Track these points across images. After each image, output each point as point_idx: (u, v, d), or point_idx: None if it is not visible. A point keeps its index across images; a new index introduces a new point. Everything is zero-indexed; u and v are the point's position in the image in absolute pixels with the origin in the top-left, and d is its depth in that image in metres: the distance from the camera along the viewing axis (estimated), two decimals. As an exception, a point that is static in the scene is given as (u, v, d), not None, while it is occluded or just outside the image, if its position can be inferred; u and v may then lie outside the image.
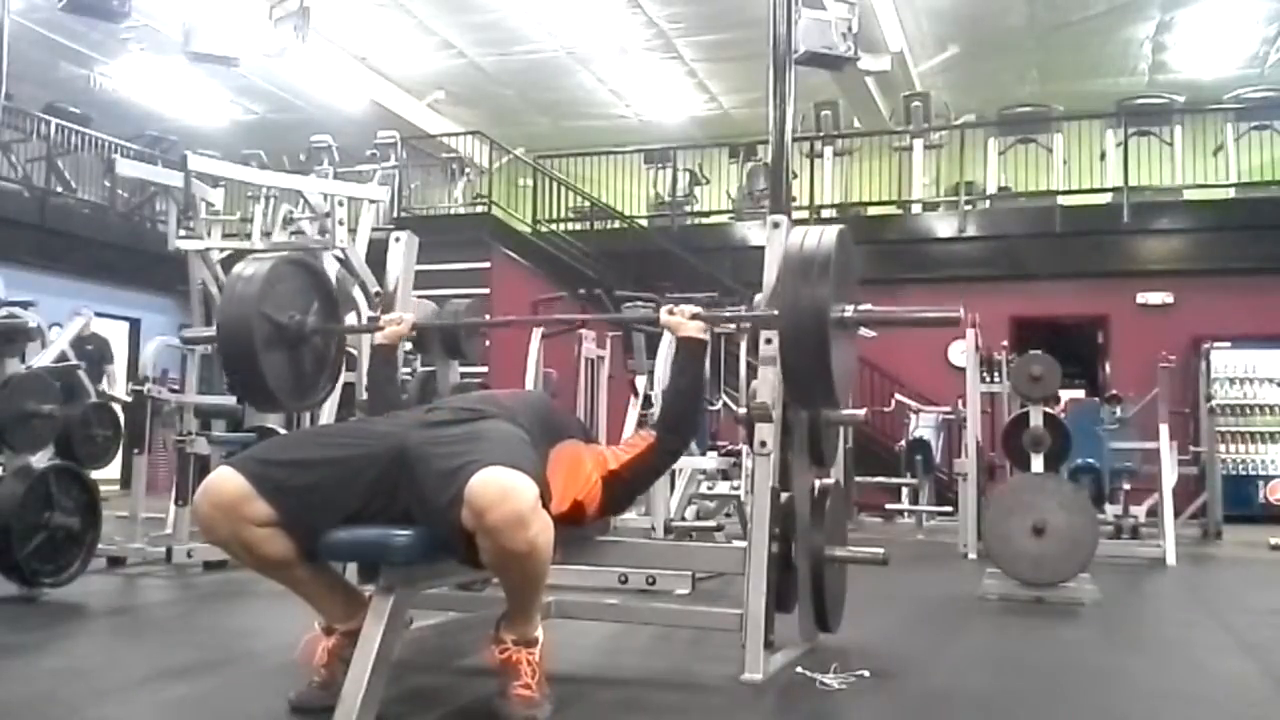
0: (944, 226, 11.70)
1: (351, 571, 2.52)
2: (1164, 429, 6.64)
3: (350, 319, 5.05)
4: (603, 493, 2.68)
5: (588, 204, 13.15)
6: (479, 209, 13.11)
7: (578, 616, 3.19)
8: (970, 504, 6.34)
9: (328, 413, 5.12)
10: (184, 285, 5.88)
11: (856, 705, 2.64)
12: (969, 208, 11.68)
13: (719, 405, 7.28)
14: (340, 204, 6.02)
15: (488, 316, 5.01)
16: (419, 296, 3.59)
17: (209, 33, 6.83)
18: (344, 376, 3.56)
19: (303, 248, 5.83)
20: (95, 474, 4.51)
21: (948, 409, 9.03)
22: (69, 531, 4.11)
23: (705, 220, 13.43)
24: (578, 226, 13.03)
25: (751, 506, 2.93)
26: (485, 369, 8.51)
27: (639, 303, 6.14)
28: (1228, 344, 10.56)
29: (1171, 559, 6.13)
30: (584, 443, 2.79)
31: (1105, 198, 11.35)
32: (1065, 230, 10.99)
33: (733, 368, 7.27)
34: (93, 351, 7.23)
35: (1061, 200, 11.39)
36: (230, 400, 5.14)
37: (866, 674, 2.81)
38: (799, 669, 2.86)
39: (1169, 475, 6.60)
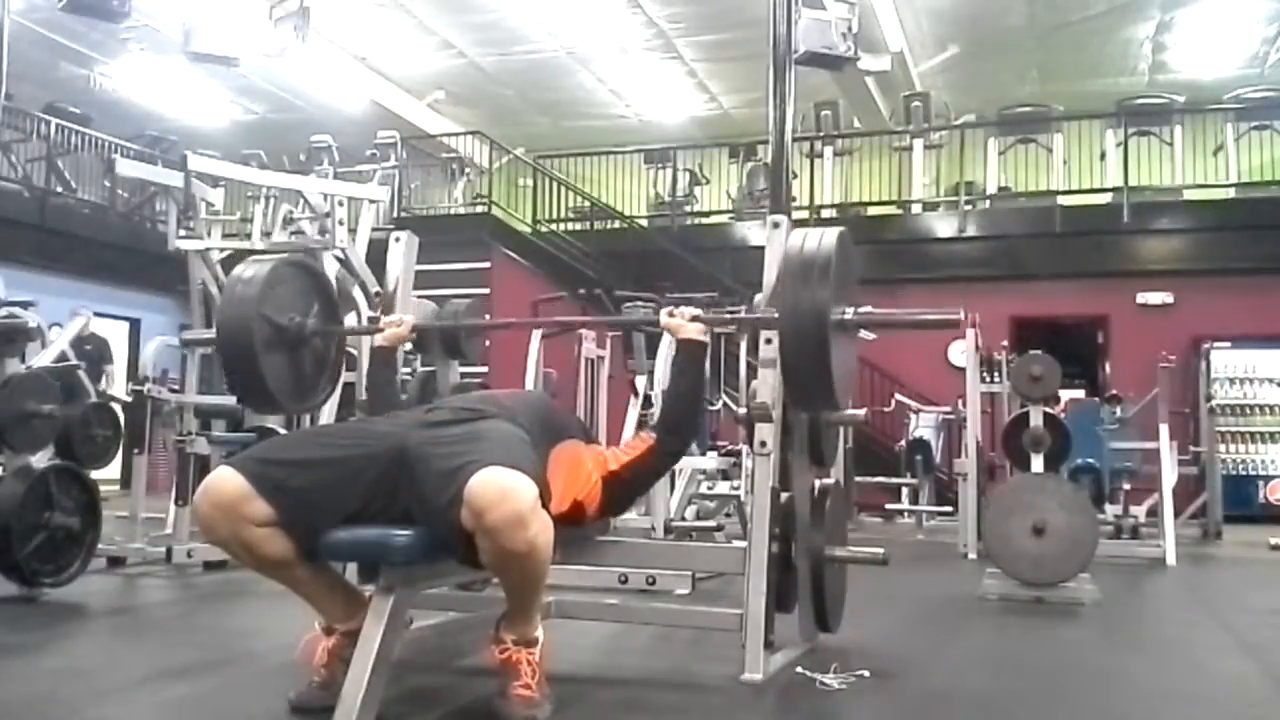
0: (944, 226, 11.70)
1: (351, 571, 2.52)
2: (1164, 429, 6.64)
3: (350, 319, 5.05)
4: (603, 493, 2.68)
5: (588, 204, 13.15)
6: (479, 209, 13.11)
7: (578, 616, 3.18)
8: (970, 504, 6.34)
9: (328, 413, 5.12)
10: (184, 285, 5.88)
11: (856, 705, 2.64)
12: (969, 208, 11.68)
13: (719, 405, 7.28)
14: (340, 204, 6.02)
15: (488, 316, 5.01)
16: (419, 296, 3.59)
17: (209, 33, 6.83)
18: (344, 376, 3.55)
19: (303, 248, 5.83)
20: (95, 474, 4.51)
21: (948, 409, 9.03)
22: (69, 531, 4.11)
23: (705, 220, 13.43)
24: (578, 226, 13.03)
25: (751, 506, 2.93)
26: (485, 369, 8.50)
27: (639, 303, 6.14)
28: (1228, 344, 10.56)
29: (1171, 559, 6.13)
30: (584, 443, 2.79)
31: (1105, 198, 11.35)
32: (1065, 230, 10.99)
33: (733, 368, 7.27)
34: (92, 351, 7.24)
35: (1061, 200, 11.39)
36: (230, 400, 5.13)
37: (866, 674, 2.81)
38: (799, 669, 2.86)
39: (1169, 475, 6.60)
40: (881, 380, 10.54)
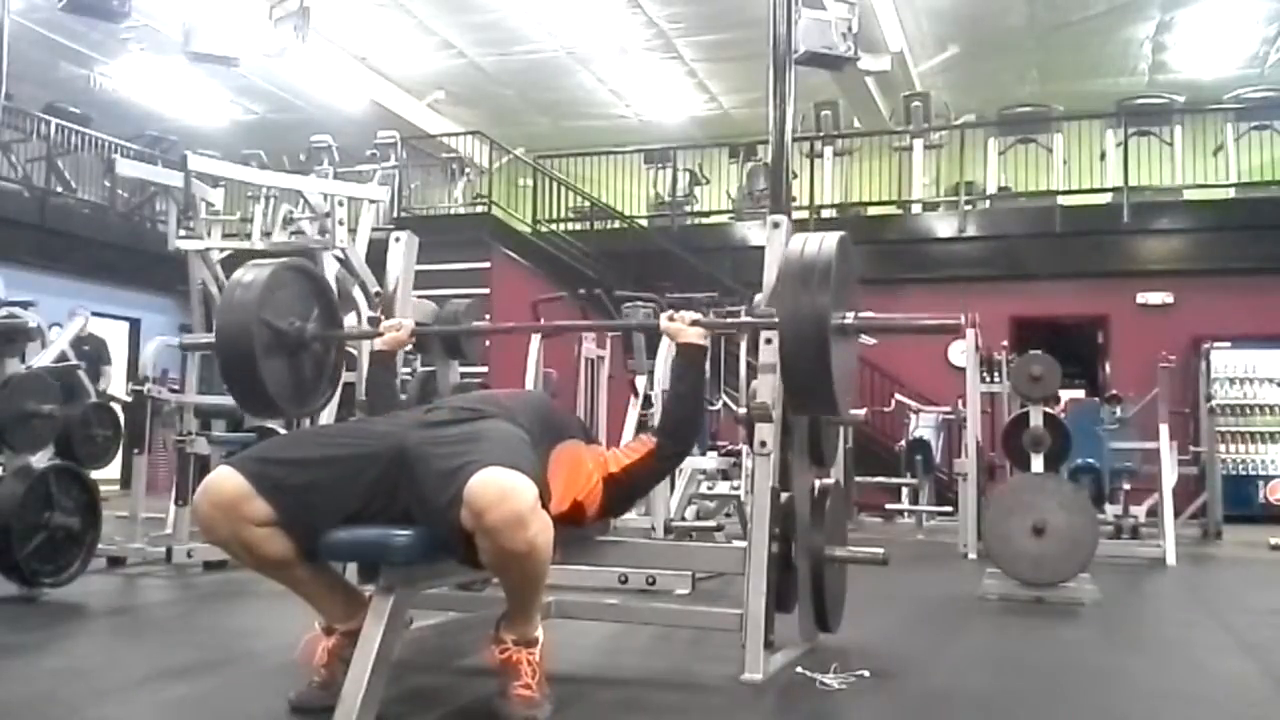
0: (944, 226, 11.71)
1: (351, 571, 2.52)
2: (1164, 429, 6.64)
3: (350, 319, 5.05)
4: (603, 494, 2.69)
5: (588, 204, 13.15)
6: (479, 209, 13.11)
7: (578, 616, 3.18)
8: (970, 504, 6.34)
9: (328, 413, 5.12)
10: (184, 285, 5.88)
11: (856, 705, 2.64)
12: (969, 208, 11.68)
13: (719, 405, 7.28)
14: (340, 204, 6.02)
15: (488, 316, 5.01)
16: (419, 296, 3.59)
17: (209, 33, 6.84)
18: (344, 377, 3.55)
19: (303, 248, 5.83)
20: (95, 474, 4.51)
21: (948, 409, 9.03)
22: (69, 531, 4.11)
23: (705, 220, 13.43)
24: (578, 226, 13.03)
25: (751, 506, 2.93)
26: (485, 369, 8.51)
27: (639, 303, 6.14)
28: (1228, 344, 10.56)
29: (1171, 559, 6.13)
30: (585, 443, 2.79)
31: (1105, 198, 11.35)
32: (1065, 230, 10.99)
33: (733, 368, 7.27)
34: (90, 351, 7.24)
35: (1061, 200, 11.39)
36: (230, 400, 5.14)
37: (866, 674, 2.81)
38: (799, 669, 2.86)
39: (1169, 475, 6.60)
40: (881, 380, 10.54)
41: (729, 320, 4.05)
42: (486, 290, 10.83)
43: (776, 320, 2.71)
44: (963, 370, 7.17)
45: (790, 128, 5.91)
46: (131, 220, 12.53)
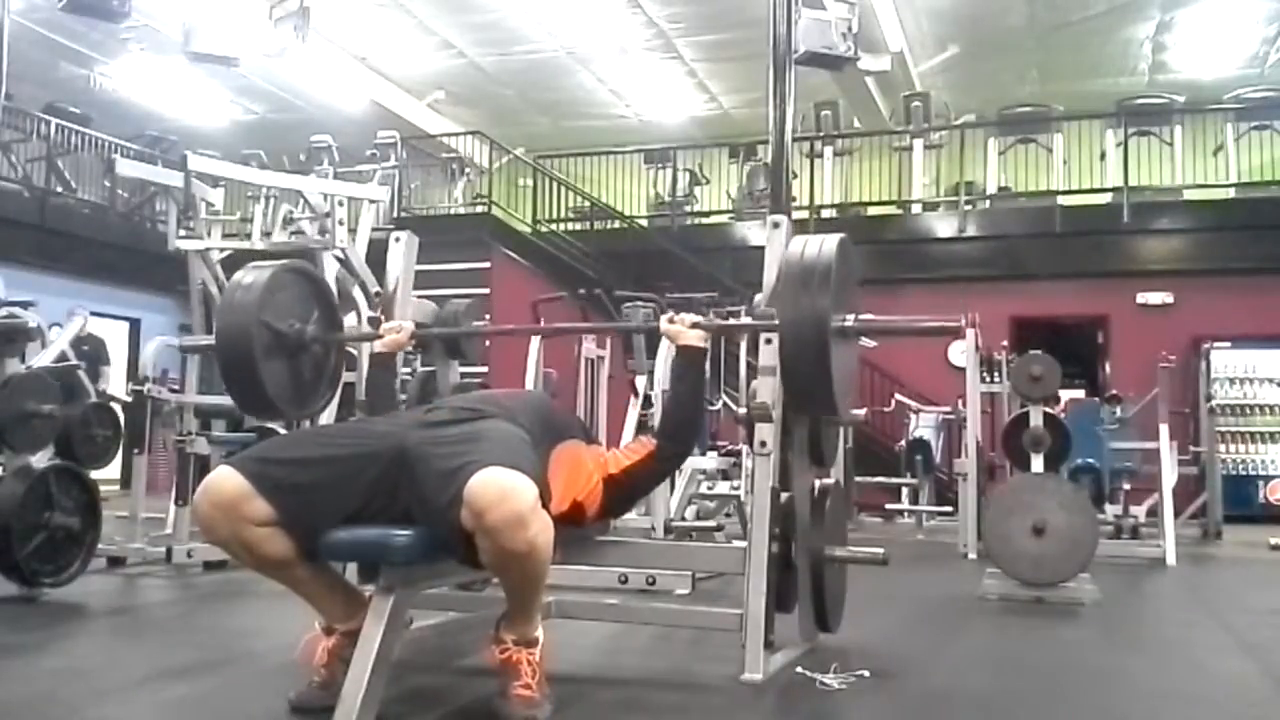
0: (944, 226, 11.71)
1: (351, 571, 2.52)
2: (1164, 429, 6.64)
3: (350, 319, 5.05)
4: (603, 495, 2.68)
5: (588, 204, 13.15)
6: (479, 209, 13.10)
7: (578, 616, 3.18)
8: (970, 504, 6.34)
9: (328, 413, 5.12)
10: (184, 285, 5.88)
11: (856, 705, 2.64)
12: (969, 208, 11.68)
13: (719, 405, 7.28)
14: (340, 204, 6.02)
15: (488, 316, 5.01)
16: (419, 296, 3.59)
17: (209, 33, 6.84)
18: (344, 377, 3.55)
19: (303, 248, 5.83)
20: (95, 474, 4.51)
21: (948, 409, 9.03)
22: (69, 531, 4.11)
23: (705, 220, 13.43)
24: (578, 226, 13.04)
25: (751, 506, 2.93)
26: (485, 369, 8.51)
27: (639, 303, 6.14)
28: (1228, 344, 10.56)
29: (1171, 559, 6.13)
30: (585, 443, 2.79)
31: (1105, 198, 11.36)
32: (1065, 230, 11.00)
33: (733, 368, 7.27)
34: (89, 351, 7.23)
35: (1061, 200, 11.40)
36: (230, 400, 5.14)
37: (866, 674, 2.81)
38: (799, 669, 2.86)
39: (1169, 475, 6.60)
40: (881, 380, 10.54)
41: (729, 323, 4.05)
42: (486, 290, 10.83)
43: (777, 323, 2.71)
44: (963, 370, 7.17)
45: (790, 128, 5.91)
46: (131, 220, 12.53)
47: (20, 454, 4.10)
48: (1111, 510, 7.53)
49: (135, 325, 12.53)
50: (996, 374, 7.58)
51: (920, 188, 11.99)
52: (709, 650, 3.14)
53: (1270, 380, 10.77)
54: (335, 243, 5.83)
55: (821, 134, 12.22)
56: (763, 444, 2.90)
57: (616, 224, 12.85)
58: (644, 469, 2.79)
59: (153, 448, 5.86)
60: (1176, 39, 11.87)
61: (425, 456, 2.28)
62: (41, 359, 5.26)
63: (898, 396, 10.10)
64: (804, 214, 11.13)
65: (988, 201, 12.02)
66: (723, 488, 6.09)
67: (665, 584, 4.15)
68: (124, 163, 8.69)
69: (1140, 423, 7.65)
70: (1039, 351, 5.34)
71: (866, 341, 4.73)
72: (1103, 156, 11.55)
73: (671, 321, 2.86)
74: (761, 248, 3.12)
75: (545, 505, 2.20)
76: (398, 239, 3.49)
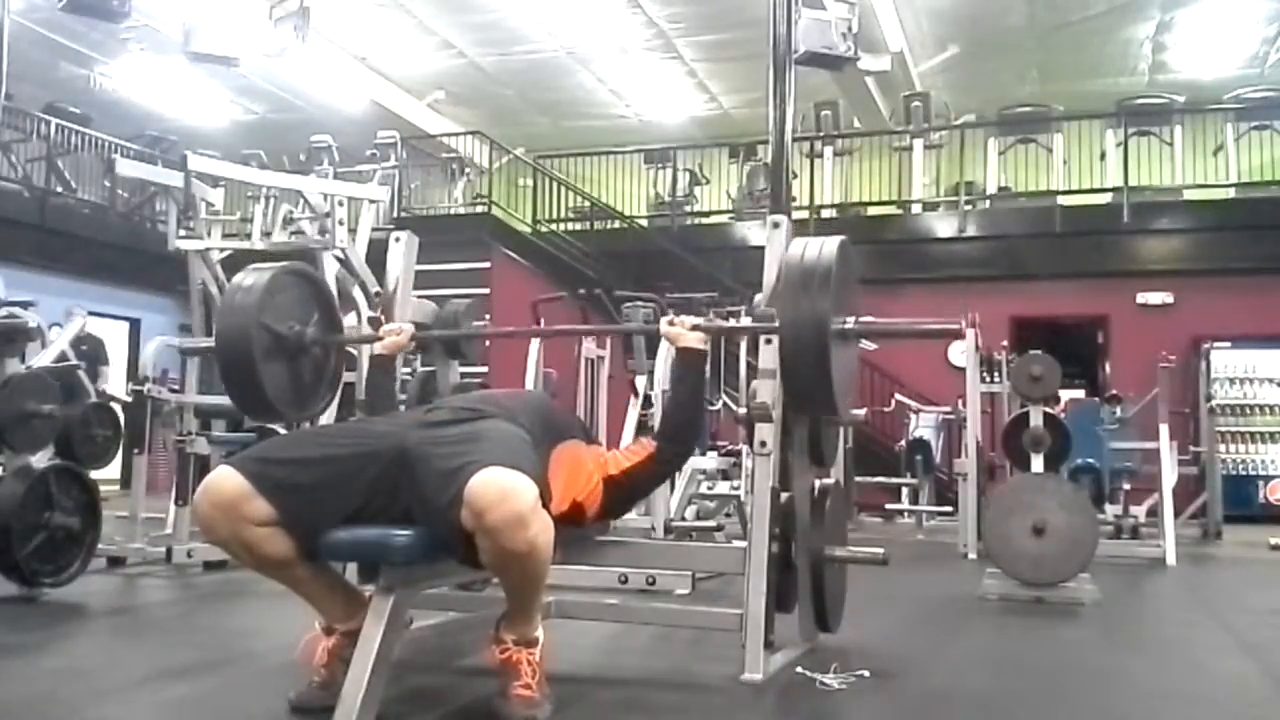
0: (944, 226, 11.71)
1: (351, 571, 2.52)
2: (1164, 429, 6.64)
3: (350, 319, 5.05)
4: (603, 495, 2.68)
5: (588, 204, 13.15)
6: (479, 209, 13.11)
7: (578, 616, 3.18)
8: (970, 504, 6.34)
9: (328, 413, 5.12)
10: (184, 285, 5.88)
11: (856, 705, 2.65)
12: (969, 208, 11.68)
13: (719, 405, 7.28)
14: (340, 204, 6.02)
15: (488, 316, 5.02)
16: (419, 296, 3.59)
17: (209, 33, 6.84)
18: (344, 376, 3.55)
19: (303, 248, 5.83)
20: (95, 474, 4.50)
21: (948, 409, 9.03)
22: (69, 531, 4.11)
23: (705, 220, 13.43)
24: (578, 226, 13.04)
25: (751, 506, 2.93)
26: (485, 369, 8.52)
27: (639, 303, 6.14)
28: (1228, 344, 10.56)
29: (1171, 559, 6.12)
30: (585, 443, 2.79)
31: (1105, 198, 11.36)
32: (1065, 230, 11.00)
33: (733, 368, 7.27)
34: (87, 351, 7.22)
35: (1061, 200, 11.40)
36: (230, 401, 5.14)
37: (866, 674, 2.81)
38: (799, 669, 2.86)
39: (1169, 475, 6.60)
40: (881, 380, 10.54)
41: (730, 325, 4.05)
42: (486, 290, 10.84)
43: (777, 325, 2.71)
44: (963, 370, 7.17)
45: (790, 128, 5.91)
46: (131, 220, 12.53)
47: (20, 454, 4.10)
48: (1111, 510, 7.53)
49: (135, 325, 12.53)
50: (996, 374, 7.58)
51: (920, 188, 11.99)
52: (709, 650, 3.14)
53: (1270, 380, 10.77)
54: (335, 243, 5.83)
55: (821, 134, 12.22)
56: (763, 444, 2.90)
57: (616, 224, 12.84)
58: (644, 471, 2.78)
59: (153, 448, 5.86)
60: (1176, 39, 11.87)
61: (425, 456, 2.28)
62: (41, 359, 5.26)
63: (898, 396, 10.10)
64: (804, 214, 11.13)
65: (988, 201, 12.02)
66: (723, 488, 6.09)
67: (665, 584, 4.15)
68: (124, 163, 8.69)
69: (1140, 423, 7.65)
70: (1039, 351, 5.34)
71: (866, 344, 4.72)
72: (1103, 156, 11.55)
73: (671, 324, 2.87)
74: (761, 248, 3.12)
75: (545, 505, 2.20)
76: (398, 239, 3.49)
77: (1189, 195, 11.30)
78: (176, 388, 5.83)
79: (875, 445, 9.82)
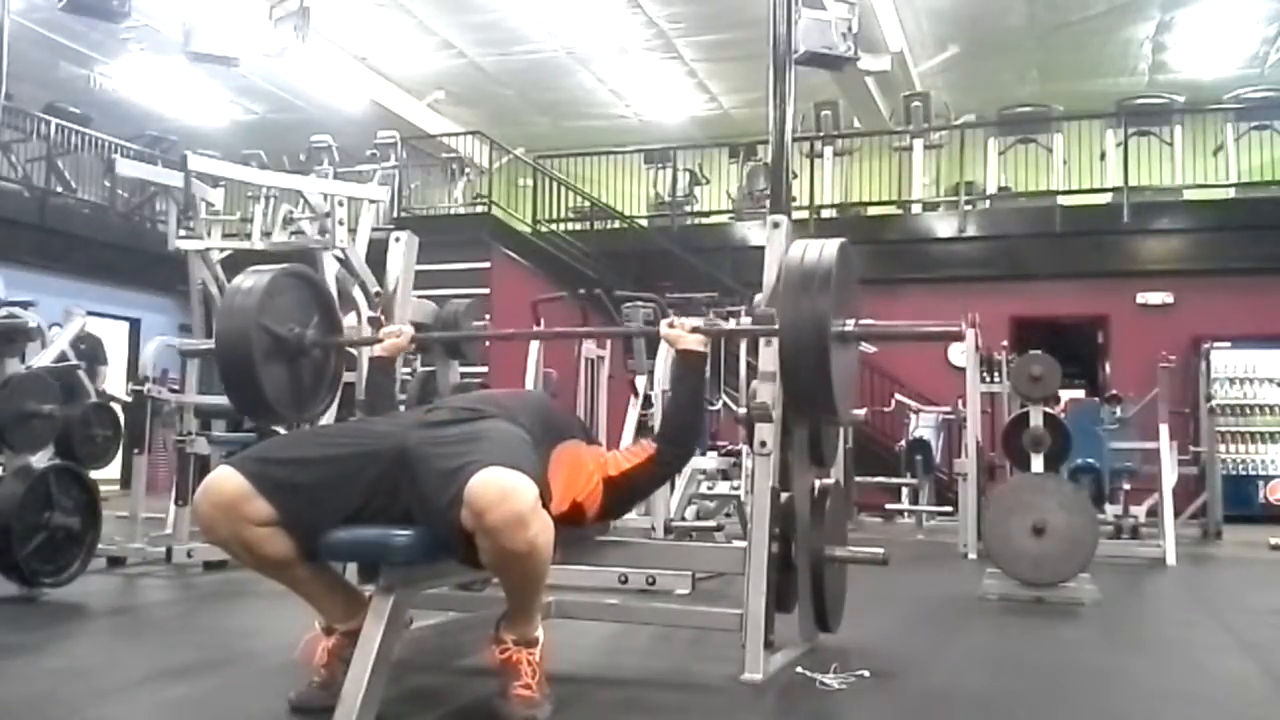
0: (944, 226, 11.71)
1: (351, 571, 2.52)
2: (1164, 429, 6.64)
3: (350, 319, 5.05)
4: (603, 496, 2.68)
5: (588, 204, 13.15)
6: (479, 209, 13.10)
7: (578, 616, 3.18)
8: (970, 504, 6.34)
9: (328, 413, 5.12)
10: (184, 285, 5.88)
11: (856, 705, 2.65)
12: (969, 208, 11.68)
13: (719, 405, 7.28)
14: (340, 204, 6.02)
15: (488, 316, 5.02)
16: (419, 296, 3.59)
17: (209, 33, 6.84)
18: (344, 376, 3.55)
19: (303, 247, 5.83)
20: (95, 474, 4.50)
21: (948, 409, 9.03)
22: (69, 531, 4.11)
23: (705, 220, 13.43)
24: (578, 226, 13.03)
25: (751, 506, 2.93)
26: (485, 369, 8.52)
27: (639, 303, 6.14)
28: (1228, 344, 10.56)
29: (1171, 559, 6.13)
30: (585, 443, 2.79)
31: (1105, 198, 11.36)
32: (1065, 230, 11.00)
33: (733, 368, 7.27)
34: (85, 350, 7.22)
35: (1061, 200, 11.40)
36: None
37: (866, 674, 2.82)
38: (799, 669, 2.86)
39: (1169, 475, 6.60)
40: (881, 380, 10.54)
41: (729, 328, 4.05)
42: (486, 290, 10.83)
43: (777, 328, 2.71)
44: (963, 370, 7.17)
45: (790, 128, 5.92)
46: (131, 220, 12.53)
47: (20, 454, 4.10)
48: (1111, 510, 7.52)
49: (135, 325, 12.52)
50: (996, 374, 7.58)
51: (920, 188, 11.99)
52: (709, 650, 3.14)
53: (1270, 380, 10.77)
54: (335, 243, 5.83)
55: (821, 134, 12.22)
56: (763, 444, 2.90)
57: (616, 224, 12.84)
58: (643, 473, 2.78)
59: (153, 448, 5.86)
60: (1176, 39, 11.87)
61: (425, 456, 2.28)
62: (41, 359, 5.26)
63: (898, 396, 10.10)
64: (804, 214, 11.13)
65: (988, 201, 12.02)
66: (723, 488, 6.09)
67: (665, 584, 4.15)
68: (124, 163, 8.69)
69: (1140, 423, 7.65)
70: (1039, 351, 5.34)
71: (866, 347, 4.73)
72: (1103, 156, 11.55)
73: (671, 326, 2.87)
74: (761, 248, 3.12)
75: (545, 505, 2.20)
76: (398, 239, 3.49)
77: (1189, 195, 11.30)
78: (176, 388, 5.83)
79: (875, 445, 9.82)
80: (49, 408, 4.21)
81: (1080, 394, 10.11)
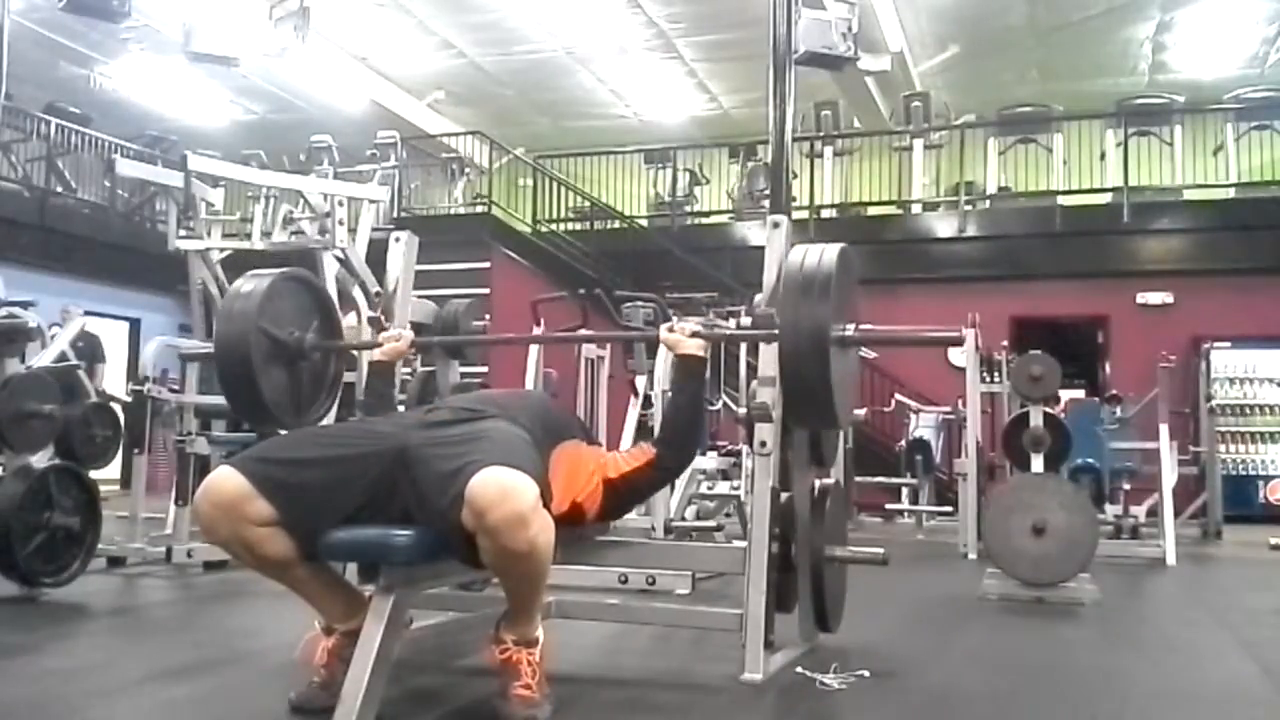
0: (944, 226, 11.71)
1: (351, 571, 2.52)
2: (1164, 429, 6.65)
3: (350, 319, 5.05)
4: (602, 497, 2.68)
5: (588, 204, 13.15)
6: (479, 209, 13.10)
7: (578, 616, 3.18)
8: (970, 504, 6.34)
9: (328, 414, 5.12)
10: (184, 285, 5.88)
11: (856, 705, 2.65)
12: (969, 208, 11.68)
13: (719, 405, 7.28)
14: (340, 204, 6.01)
15: (488, 316, 5.03)
16: (419, 296, 3.59)
17: (209, 33, 6.85)
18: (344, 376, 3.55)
19: (303, 248, 5.83)
20: (95, 474, 4.51)
21: (948, 409, 9.03)
22: (69, 531, 4.11)
23: (705, 220, 13.43)
24: (578, 226, 13.04)
25: (751, 506, 2.93)
26: (485, 369, 8.52)
27: (639, 303, 6.14)
28: (1228, 344, 10.55)
29: (1171, 559, 6.13)
30: (585, 443, 2.79)
31: (1105, 198, 11.36)
32: (1065, 230, 11.00)
33: (733, 368, 7.27)
34: (83, 349, 7.22)
35: (1061, 200, 11.39)
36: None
37: (866, 674, 2.82)
38: (799, 669, 2.86)
39: (1169, 475, 6.60)
40: (881, 380, 10.54)
41: (729, 333, 4.05)
42: (486, 290, 10.83)
43: (777, 331, 2.71)
44: (963, 370, 7.16)
45: (790, 128, 5.92)
46: (131, 220, 12.52)
47: (20, 454, 4.11)
48: (1111, 510, 7.52)
49: (135, 325, 12.53)
50: (996, 374, 7.58)
51: (920, 188, 11.99)
52: (709, 650, 3.14)
53: (1270, 380, 10.77)
54: (335, 243, 5.83)
55: (821, 134, 12.22)
56: (763, 444, 2.90)
57: (616, 224, 12.85)
58: (643, 476, 2.77)
59: (153, 448, 5.86)
60: (1176, 39, 11.87)
61: (426, 457, 2.28)
62: (41, 359, 5.26)
63: (898, 397, 10.10)
64: (804, 214, 11.13)
65: (988, 201, 12.02)
66: (723, 488, 6.09)
67: (665, 584, 4.15)
68: (124, 163, 8.70)
69: (1140, 423, 7.65)
70: (1039, 351, 5.33)
71: (866, 352, 4.73)
72: (1103, 156, 11.55)
73: (671, 330, 2.87)
74: (761, 248, 3.12)
75: (546, 505, 2.21)
76: (398, 239, 3.50)
77: (1189, 195, 11.30)
78: (176, 388, 5.83)
79: (875, 445, 9.82)
80: (49, 408, 4.21)
81: (1080, 394, 10.11)
